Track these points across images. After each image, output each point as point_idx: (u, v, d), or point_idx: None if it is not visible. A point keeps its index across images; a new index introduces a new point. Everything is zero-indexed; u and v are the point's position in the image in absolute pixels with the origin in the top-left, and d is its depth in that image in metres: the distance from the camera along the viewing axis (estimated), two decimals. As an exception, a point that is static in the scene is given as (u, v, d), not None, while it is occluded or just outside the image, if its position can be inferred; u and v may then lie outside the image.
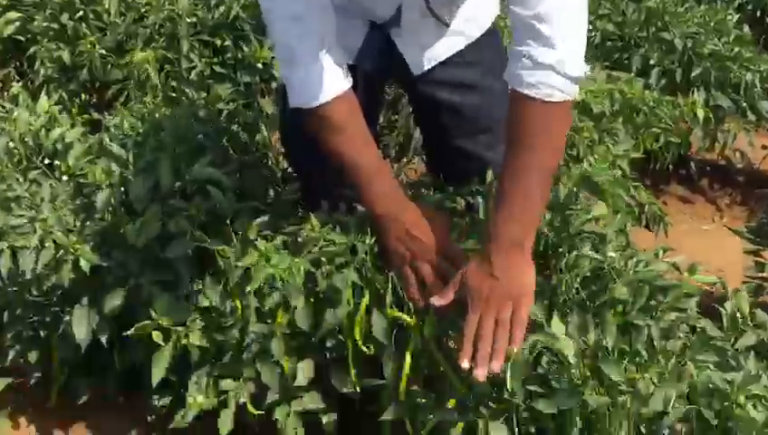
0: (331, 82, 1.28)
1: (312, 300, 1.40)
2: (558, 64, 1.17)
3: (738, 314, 1.21)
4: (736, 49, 2.58)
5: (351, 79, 1.33)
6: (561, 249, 1.35)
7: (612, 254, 1.28)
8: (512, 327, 1.20)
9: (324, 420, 1.49)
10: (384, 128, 2.32)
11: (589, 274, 1.27)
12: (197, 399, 1.46)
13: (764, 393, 1.10)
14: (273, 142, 2.24)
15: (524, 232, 1.22)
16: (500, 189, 1.25)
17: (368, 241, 1.39)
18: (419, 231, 1.34)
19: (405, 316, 1.35)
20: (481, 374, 1.18)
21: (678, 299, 1.21)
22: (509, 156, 1.24)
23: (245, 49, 2.35)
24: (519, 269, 1.22)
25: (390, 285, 1.36)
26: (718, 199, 2.70)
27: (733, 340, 1.21)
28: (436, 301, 1.28)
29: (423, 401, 1.34)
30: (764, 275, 1.78)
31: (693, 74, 2.51)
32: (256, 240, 1.40)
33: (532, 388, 1.18)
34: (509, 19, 1.24)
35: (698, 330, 1.20)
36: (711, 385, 1.06)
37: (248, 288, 1.35)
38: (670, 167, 2.69)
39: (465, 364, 1.19)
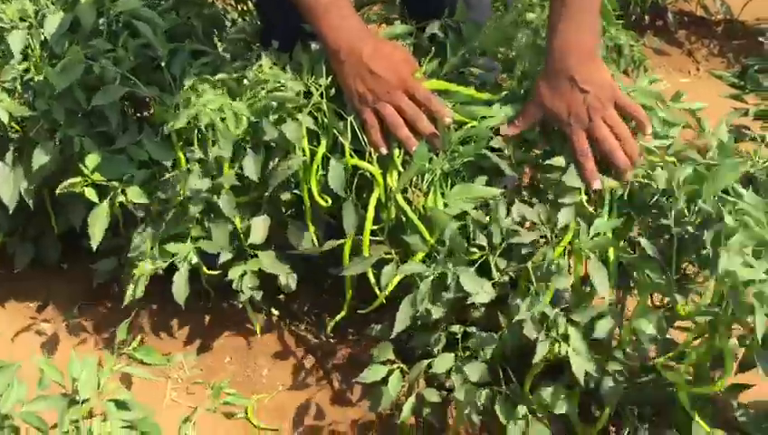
0: None
1: (262, 149, 1.27)
2: None
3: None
4: None
5: None
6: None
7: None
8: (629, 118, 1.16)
9: (282, 280, 1.39)
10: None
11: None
12: (144, 266, 1.34)
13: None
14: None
15: (595, 37, 1.19)
16: (561, 5, 1.15)
17: (323, 82, 1.24)
18: (382, 68, 1.19)
19: (366, 164, 1.23)
20: (629, 175, 1.15)
21: (660, 127, 1.17)
22: None
23: None
24: (601, 74, 1.18)
25: (350, 131, 1.22)
26: (695, 52, 2.57)
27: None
28: (509, 131, 1.20)
29: (387, 255, 1.24)
30: (745, 120, 1.69)
31: None
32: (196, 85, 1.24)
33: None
34: None
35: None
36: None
37: (169, 125, 1.21)
38: (646, 18, 2.56)
39: (598, 184, 1.15)
